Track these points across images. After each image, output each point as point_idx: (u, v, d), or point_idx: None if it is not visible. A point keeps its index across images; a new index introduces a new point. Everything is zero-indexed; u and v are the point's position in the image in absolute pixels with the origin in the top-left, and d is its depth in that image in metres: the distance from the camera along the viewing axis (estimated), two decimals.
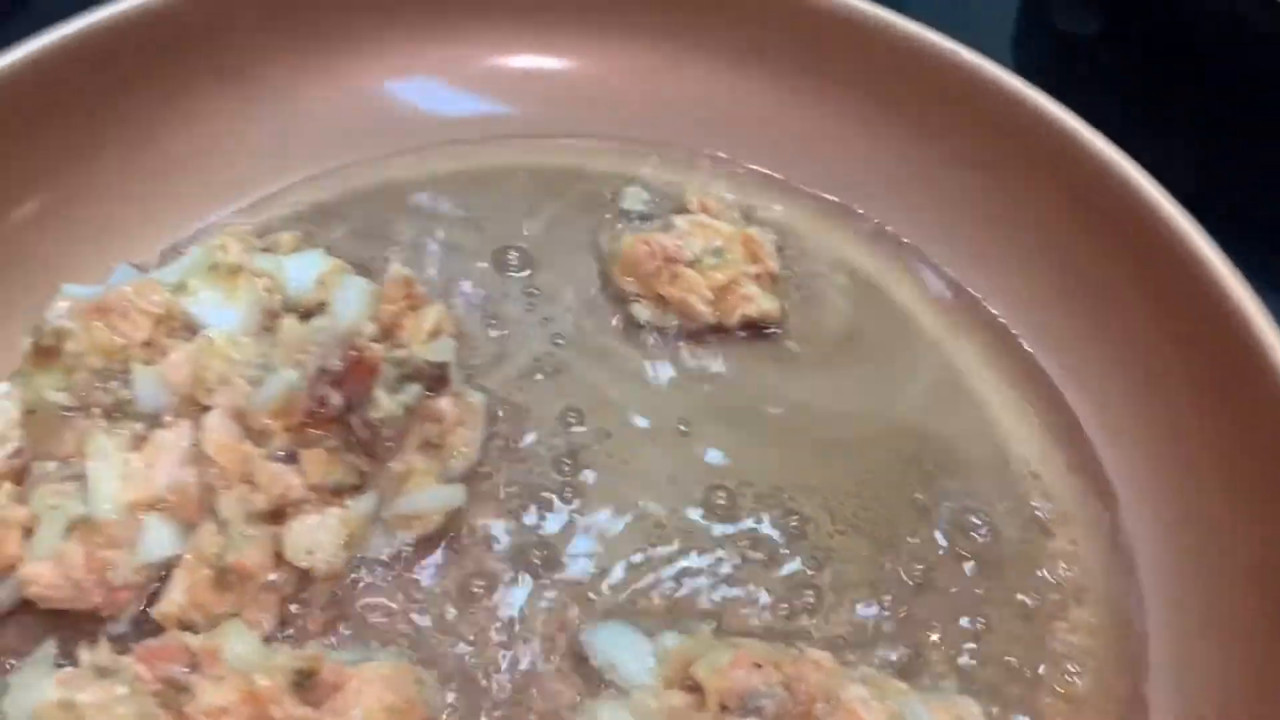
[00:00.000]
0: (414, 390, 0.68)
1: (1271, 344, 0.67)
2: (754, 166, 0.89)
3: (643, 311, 0.80)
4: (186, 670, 0.57)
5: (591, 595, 0.68)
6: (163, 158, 0.81)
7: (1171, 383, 0.73)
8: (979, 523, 0.72)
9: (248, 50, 0.82)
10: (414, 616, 0.66)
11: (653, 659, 0.63)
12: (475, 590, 0.68)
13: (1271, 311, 0.68)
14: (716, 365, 0.79)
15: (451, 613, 0.67)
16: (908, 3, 0.87)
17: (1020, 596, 0.69)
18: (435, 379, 0.69)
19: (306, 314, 0.72)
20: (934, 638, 0.67)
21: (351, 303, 0.72)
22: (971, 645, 0.67)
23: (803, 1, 0.84)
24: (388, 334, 0.73)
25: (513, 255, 0.83)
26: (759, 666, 0.59)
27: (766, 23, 0.86)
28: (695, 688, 0.61)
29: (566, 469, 0.73)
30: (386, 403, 0.67)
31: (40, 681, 0.58)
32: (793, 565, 0.70)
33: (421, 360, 0.69)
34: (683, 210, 0.84)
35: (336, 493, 0.66)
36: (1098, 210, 0.76)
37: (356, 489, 0.67)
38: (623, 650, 0.64)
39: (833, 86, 0.87)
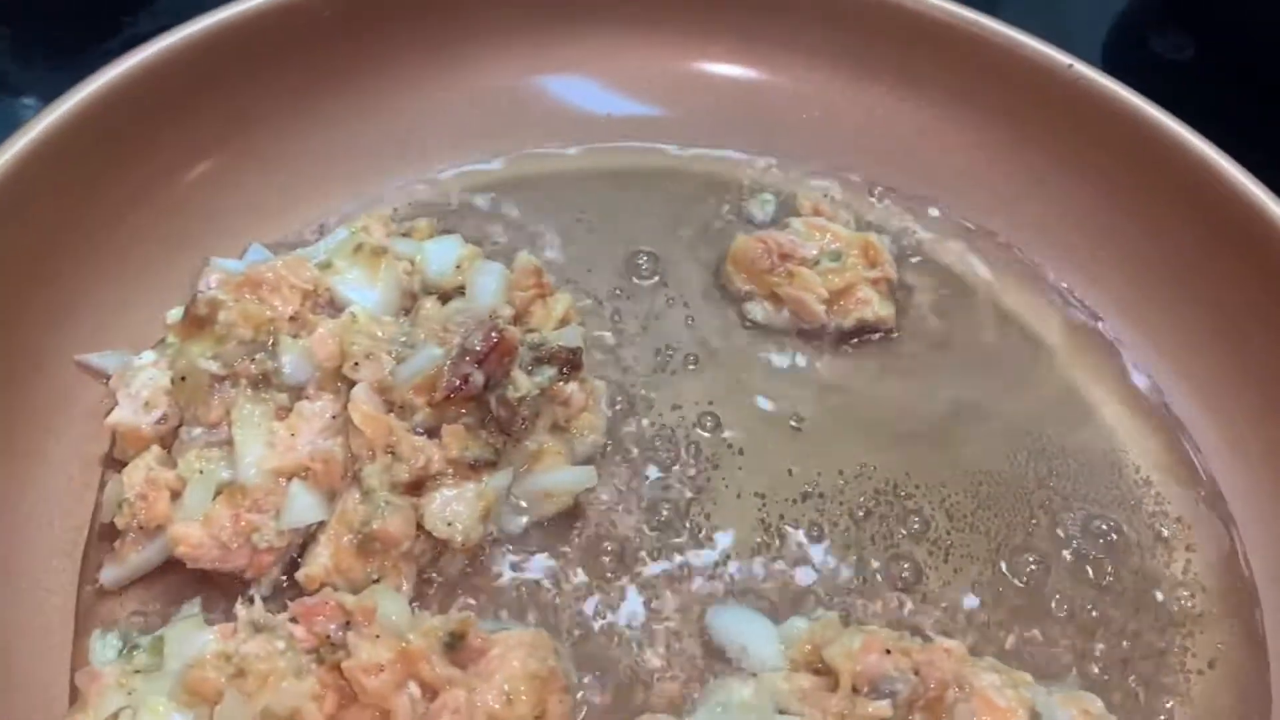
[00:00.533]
0: (549, 372, 0.70)
1: None
2: (884, 182, 0.91)
3: (757, 310, 0.82)
4: (340, 628, 0.59)
5: (715, 580, 0.69)
6: (308, 143, 0.84)
7: None
8: (1092, 528, 0.73)
9: (397, 41, 0.85)
10: (544, 591, 0.68)
11: (779, 642, 0.64)
12: (602, 569, 0.69)
13: None
14: (831, 365, 0.81)
15: (579, 590, 0.69)
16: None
17: (1136, 601, 0.70)
18: (569, 363, 0.71)
19: (444, 297, 0.75)
20: (1049, 636, 0.68)
21: (489, 287, 0.74)
22: (1088, 645, 0.68)
23: (961, 30, 0.86)
24: (518, 320, 0.75)
25: (638, 254, 0.85)
26: (889, 652, 0.61)
27: (918, 48, 0.88)
28: (822, 671, 0.63)
29: (688, 457, 0.75)
30: (524, 383, 0.69)
31: (197, 634, 0.61)
32: (912, 559, 0.71)
33: (556, 344, 0.71)
34: (797, 214, 0.86)
35: (474, 467, 0.68)
36: (1219, 229, 0.78)
37: (492, 465, 0.69)
38: (750, 633, 0.65)
39: (972, 111, 0.89)
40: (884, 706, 0.59)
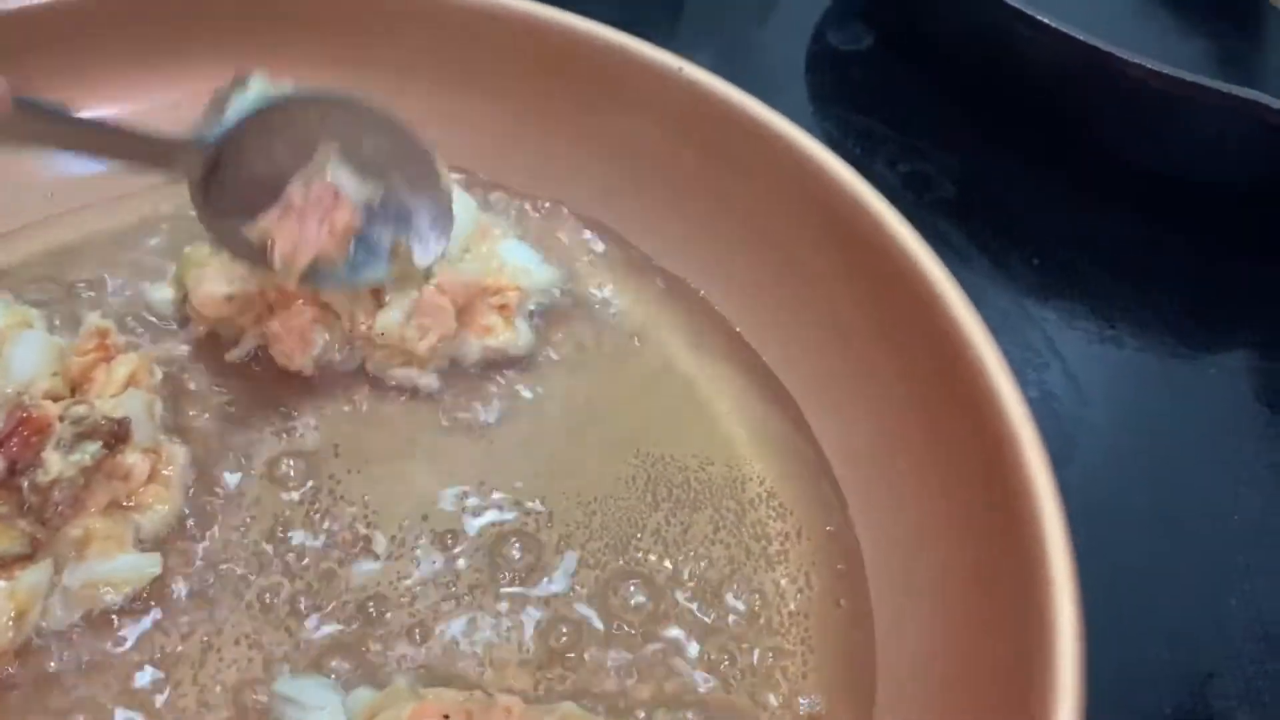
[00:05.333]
0: (91, 448, 0.64)
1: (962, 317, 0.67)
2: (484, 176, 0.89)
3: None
4: None
5: (291, 651, 0.64)
6: None
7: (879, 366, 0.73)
8: (706, 549, 0.70)
9: None
10: (98, 689, 0.62)
11: (343, 717, 0.60)
12: (169, 658, 0.63)
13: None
14: (455, 402, 0.77)
15: (142, 682, 0.62)
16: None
17: (745, 623, 0.67)
18: (114, 435, 0.65)
19: None
20: (644, 670, 0.64)
21: (28, 359, 0.67)
22: (699, 670, 0.65)
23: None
24: (77, 388, 0.69)
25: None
26: (447, 718, 0.57)
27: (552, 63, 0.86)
28: None
29: (273, 522, 0.69)
30: (57, 464, 0.63)
31: None
32: (506, 602, 0.67)
33: (99, 416, 0.65)
34: None
35: (4, 564, 0.62)
36: (831, 232, 0.76)
37: (28, 558, 0.62)
38: (312, 711, 0.60)
39: (597, 121, 0.87)
40: None
